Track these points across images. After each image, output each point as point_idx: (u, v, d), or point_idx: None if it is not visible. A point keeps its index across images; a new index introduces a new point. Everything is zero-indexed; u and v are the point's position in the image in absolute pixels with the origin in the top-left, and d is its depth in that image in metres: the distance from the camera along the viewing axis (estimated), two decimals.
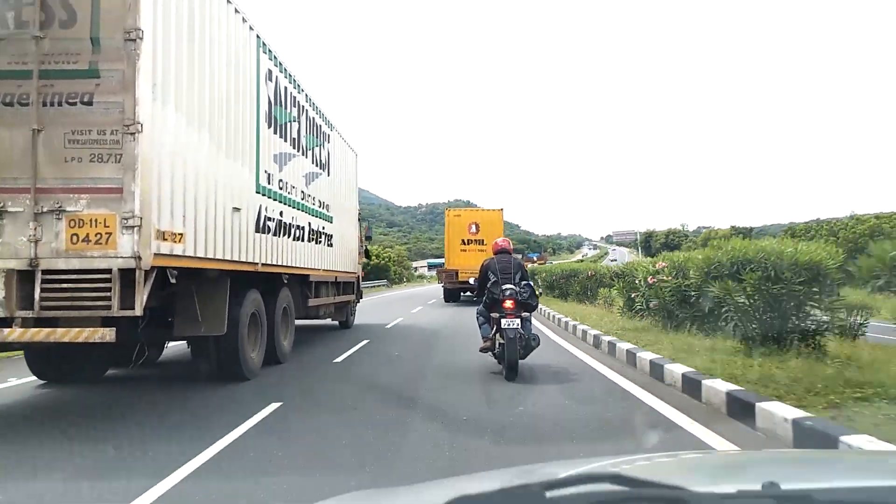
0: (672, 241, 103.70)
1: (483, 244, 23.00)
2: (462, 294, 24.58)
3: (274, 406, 5.52)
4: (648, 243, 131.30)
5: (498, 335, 7.10)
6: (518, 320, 6.86)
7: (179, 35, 5.33)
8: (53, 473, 3.83)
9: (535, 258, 76.33)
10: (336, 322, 13.74)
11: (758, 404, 4.40)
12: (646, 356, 7.21)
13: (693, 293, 8.50)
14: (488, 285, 7.25)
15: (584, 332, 10.81)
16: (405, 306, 22.56)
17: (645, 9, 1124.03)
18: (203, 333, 6.34)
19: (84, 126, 4.66)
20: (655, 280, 10.05)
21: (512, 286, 7.07)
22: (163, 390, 6.93)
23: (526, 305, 7.12)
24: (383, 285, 47.39)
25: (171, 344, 8.48)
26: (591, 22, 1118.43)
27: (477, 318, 7.70)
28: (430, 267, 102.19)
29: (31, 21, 4.69)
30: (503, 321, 6.85)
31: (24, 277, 4.58)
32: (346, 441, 4.45)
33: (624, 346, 8.27)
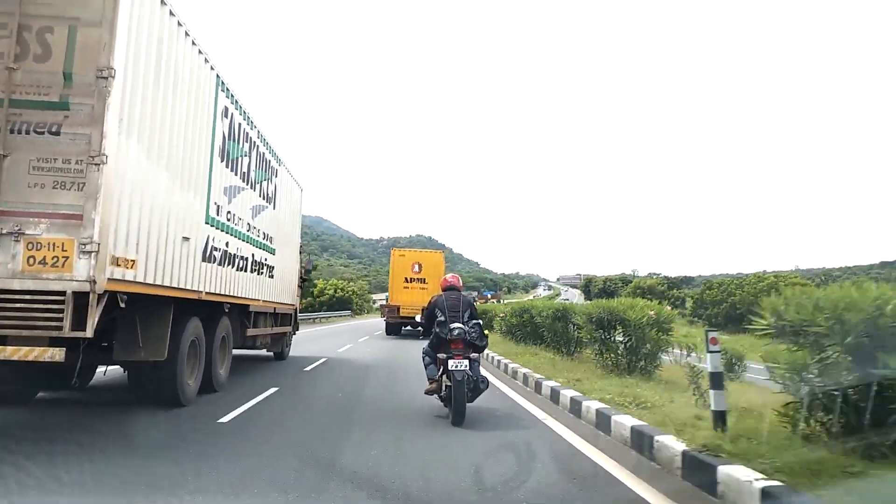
0: (609, 286, 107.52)
1: (424, 283, 24.76)
2: (402, 328, 25.84)
3: None
4: (588, 288, 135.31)
5: (444, 377, 6.84)
6: (466, 361, 6.59)
7: (147, 72, 5.65)
8: None
9: (489, 296, 78.19)
10: (271, 353, 13.77)
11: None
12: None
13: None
14: (435, 323, 7.00)
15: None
16: (356, 334, 25.15)
17: (604, 53, 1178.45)
18: (143, 358, 6.45)
19: (50, 154, 4.88)
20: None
21: (460, 325, 6.81)
22: (95, 414, 6.93)
23: (474, 346, 6.86)
24: (347, 315, 50.86)
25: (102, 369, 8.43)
26: (555, 63, 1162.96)
27: (423, 357, 7.28)
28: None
29: (5, 52, 4.91)
30: (450, 362, 6.58)
31: None
32: None
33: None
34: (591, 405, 6.37)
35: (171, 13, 6.12)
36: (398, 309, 24.87)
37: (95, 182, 4.86)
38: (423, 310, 7.61)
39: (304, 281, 16.81)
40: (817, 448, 3.85)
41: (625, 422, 5.37)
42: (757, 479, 3.41)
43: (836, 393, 3.89)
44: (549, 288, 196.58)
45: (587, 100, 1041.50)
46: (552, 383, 8.32)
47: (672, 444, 4.43)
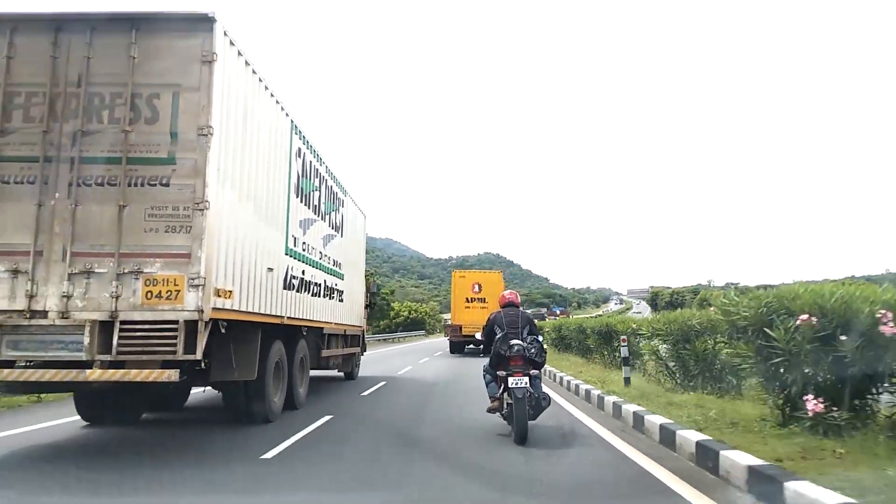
0: (676, 299, 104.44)
1: (485, 302, 25.60)
2: (465, 347, 26.44)
3: None
4: (655, 301, 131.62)
5: (506, 395, 6.70)
6: (526, 378, 6.47)
7: (236, 126, 6.40)
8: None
9: (558, 312, 77.68)
10: (342, 373, 14.49)
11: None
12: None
13: None
14: (495, 340, 6.92)
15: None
16: (419, 355, 25.85)
17: (673, 60, 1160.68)
18: (236, 378, 7.14)
19: (161, 203, 5.66)
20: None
21: (520, 342, 6.70)
22: (192, 431, 7.70)
23: (534, 362, 6.73)
24: (422, 334, 56.98)
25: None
26: (622, 77, 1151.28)
27: (483, 376, 7.28)
28: None
29: (121, 117, 5.75)
30: (510, 380, 6.46)
31: (105, 327, 5.47)
32: None
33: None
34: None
35: (254, 71, 6.90)
36: (460, 328, 25.87)
37: (200, 225, 5.59)
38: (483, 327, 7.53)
39: (371, 304, 17.56)
40: None
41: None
42: None
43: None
44: (621, 301, 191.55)
45: (662, 109, 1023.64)
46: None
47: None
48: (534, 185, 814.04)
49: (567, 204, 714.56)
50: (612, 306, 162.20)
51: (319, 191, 10.29)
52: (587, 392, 10.11)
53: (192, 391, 9.28)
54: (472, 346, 25.98)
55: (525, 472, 5.32)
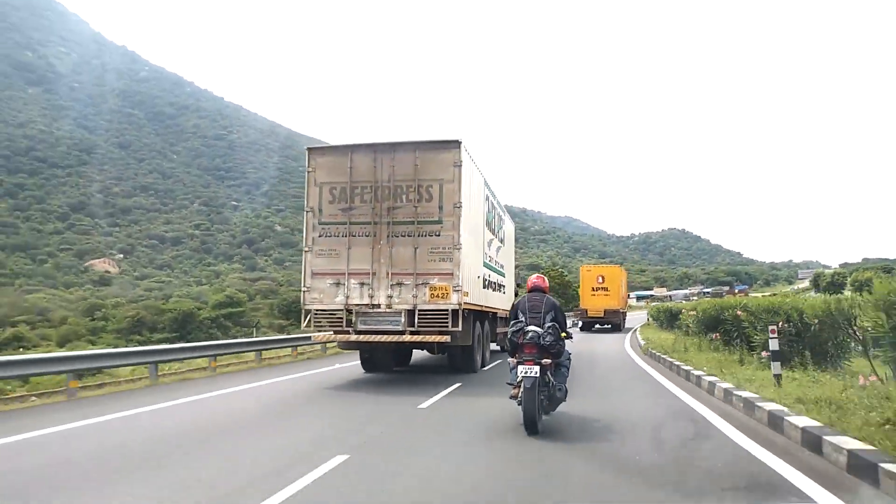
0: (836, 279, 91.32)
1: (607, 290, 30.94)
2: (592, 327, 31.81)
3: None
4: (817, 282, 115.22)
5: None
6: (537, 367, 6.07)
7: (468, 198, 10.62)
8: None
9: (736, 291, 76.28)
10: (499, 348, 18.80)
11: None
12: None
13: None
14: (509, 328, 6.61)
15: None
16: None
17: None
18: (459, 344, 11.46)
19: (435, 245, 10.03)
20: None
21: (536, 329, 6.34)
22: (406, 376, 12.23)
23: (549, 351, 6.26)
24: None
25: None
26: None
27: (508, 362, 6.65)
28: (639, 298, 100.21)
29: (413, 199, 10.18)
30: (520, 368, 6.14)
31: (410, 313, 9.97)
32: None
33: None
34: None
35: (472, 159, 11.12)
36: (587, 312, 31.30)
37: (457, 258, 9.92)
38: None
39: (515, 293, 21.80)
40: None
41: None
42: None
43: None
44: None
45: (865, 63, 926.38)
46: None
47: None
48: (725, 152, 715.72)
49: (765, 171, 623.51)
50: (802, 284, 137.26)
51: (493, 216, 14.49)
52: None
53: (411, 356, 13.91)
54: (598, 325, 31.51)
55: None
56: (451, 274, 9.93)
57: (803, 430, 5.31)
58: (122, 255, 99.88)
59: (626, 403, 8.26)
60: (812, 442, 5.08)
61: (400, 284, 10.08)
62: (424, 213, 10.17)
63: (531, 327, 6.37)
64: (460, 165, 10.12)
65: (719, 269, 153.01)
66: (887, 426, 4.79)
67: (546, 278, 7.36)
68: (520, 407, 6.17)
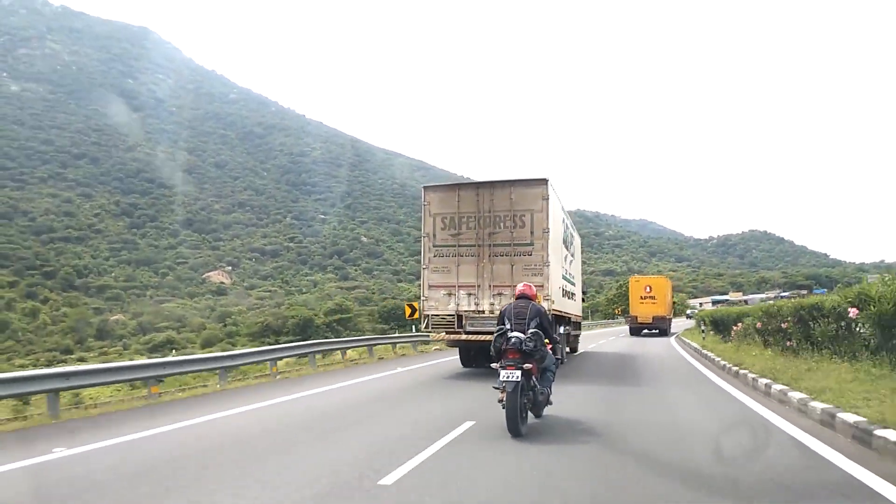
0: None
1: (654, 299, 33.14)
2: (641, 331, 33.85)
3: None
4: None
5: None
6: (518, 372, 6.18)
7: (553, 223, 12.73)
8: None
9: (815, 294, 72.63)
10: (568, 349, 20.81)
11: None
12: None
13: None
14: (495, 334, 6.66)
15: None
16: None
17: None
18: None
19: (528, 263, 12.24)
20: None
21: (518, 335, 6.46)
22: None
23: (531, 356, 6.40)
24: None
25: None
26: None
27: (492, 367, 6.71)
28: (714, 303, 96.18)
29: (510, 226, 12.45)
30: (502, 373, 6.26)
31: None
32: None
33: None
34: None
35: (554, 190, 13.24)
36: (636, 318, 33.54)
37: (546, 273, 12.09)
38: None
39: (583, 298, 23.81)
40: None
41: None
42: None
43: None
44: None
45: None
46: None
47: None
48: (808, 149, 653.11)
49: (854, 165, 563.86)
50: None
51: (566, 235, 16.56)
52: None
53: None
54: (646, 330, 33.79)
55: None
56: (542, 286, 12.10)
57: None
58: (230, 268, 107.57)
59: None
60: None
61: (500, 294, 12.36)
62: (518, 237, 12.41)
63: (514, 333, 6.51)
64: (547, 199, 12.32)
65: (800, 273, 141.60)
66: None
67: (533, 286, 7.65)
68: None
